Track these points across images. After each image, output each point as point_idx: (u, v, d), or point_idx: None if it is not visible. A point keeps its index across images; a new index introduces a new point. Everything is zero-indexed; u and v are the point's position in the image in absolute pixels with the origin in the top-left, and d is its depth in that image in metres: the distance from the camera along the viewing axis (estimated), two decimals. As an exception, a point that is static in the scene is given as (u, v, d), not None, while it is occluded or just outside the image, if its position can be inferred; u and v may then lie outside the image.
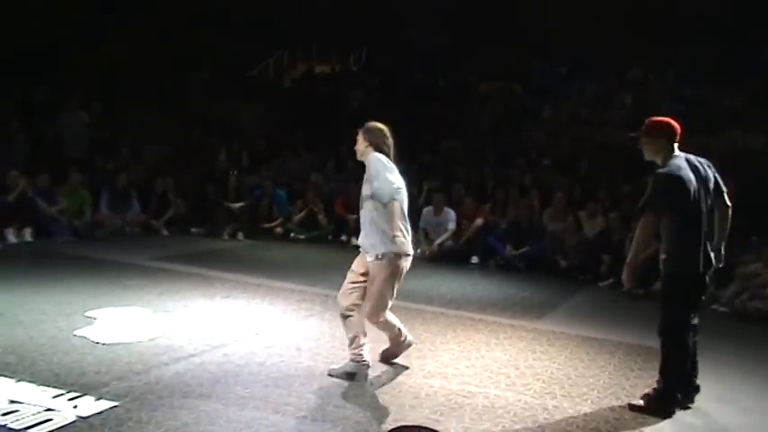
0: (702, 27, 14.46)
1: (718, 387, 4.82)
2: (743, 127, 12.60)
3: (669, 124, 4.68)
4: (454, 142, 13.65)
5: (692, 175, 4.52)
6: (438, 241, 10.19)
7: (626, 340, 6.45)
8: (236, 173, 11.54)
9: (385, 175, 4.81)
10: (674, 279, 4.63)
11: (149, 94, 13.64)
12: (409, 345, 5.31)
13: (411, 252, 4.97)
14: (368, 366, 4.96)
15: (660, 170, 4.57)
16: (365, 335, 4.98)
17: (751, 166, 10.54)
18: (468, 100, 15.58)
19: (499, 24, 16.55)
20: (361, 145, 5.02)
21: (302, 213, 11.16)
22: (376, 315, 4.97)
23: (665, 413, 4.63)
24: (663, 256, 4.67)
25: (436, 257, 10.04)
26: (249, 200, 11.23)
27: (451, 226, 10.25)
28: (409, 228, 4.98)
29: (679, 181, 4.48)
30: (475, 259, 10.10)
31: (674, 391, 4.70)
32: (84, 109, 12.10)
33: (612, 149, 13.03)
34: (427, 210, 10.38)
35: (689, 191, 4.47)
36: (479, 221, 10.29)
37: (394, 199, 4.81)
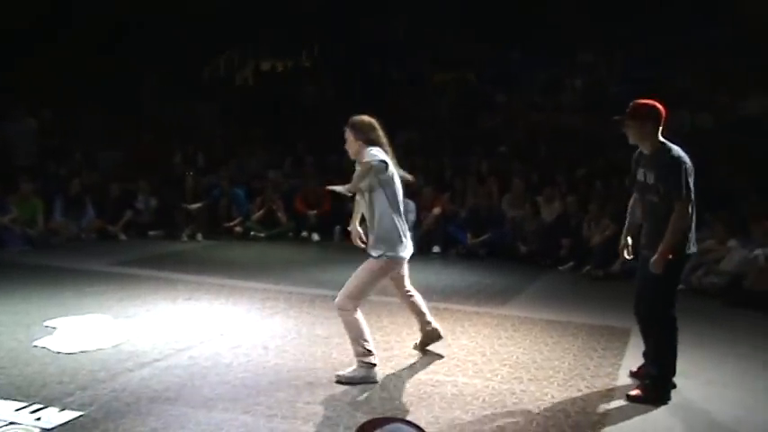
0: (651, 8, 14.70)
1: (679, 362, 4.91)
2: (691, 107, 12.86)
3: (655, 107, 4.61)
4: (411, 133, 13.68)
5: None
6: (399, 233, 10.20)
7: (588, 321, 6.57)
8: (192, 174, 11.42)
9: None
10: (674, 265, 4.56)
11: (99, 97, 13.39)
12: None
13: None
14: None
15: (675, 155, 4.53)
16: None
17: (700, 146, 10.77)
18: (424, 91, 15.61)
19: (450, 13, 16.59)
20: (353, 144, 4.74)
21: (261, 211, 11.07)
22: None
23: (665, 400, 4.62)
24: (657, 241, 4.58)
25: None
26: (207, 200, 11.13)
27: (411, 217, 10.26)
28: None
29: (691, 166, 4.52)
30: (436, 249, 10.16)
31: (670, 376, 4.70)
32: (32, 115, 11.83)
33: (566, 134, 13.20)
34: (387, 202, 10.39)
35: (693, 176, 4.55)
36: (437, 210, 10.34)
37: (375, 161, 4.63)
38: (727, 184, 10.22)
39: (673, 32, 14.41)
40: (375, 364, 4.80)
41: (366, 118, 4.80)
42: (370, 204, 4.79)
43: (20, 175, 10.25)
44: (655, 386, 4.68)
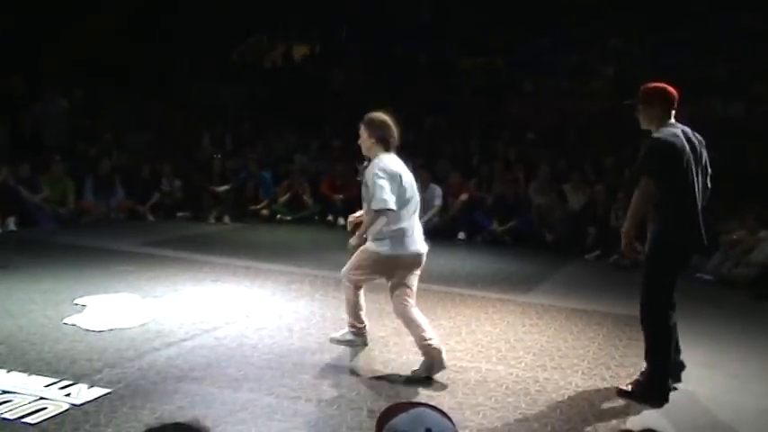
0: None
1: (705, 353, 4.88)
2: (723, 95, 12.66)
3: (665, 90, 4.44)
4: (438, 119, 13.63)
5: (686, 146, 4.31)
6: (424, 218, 10.18)
7: (614, 311, 6.52)
8: (220, 156, 11.49)
9: (381, 185, 4.56)
10: (658, 255, 4.40)
11: (130, 79, 13.51)
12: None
13: (398, 253, 4.81)
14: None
15: (657, 135, 4.35)
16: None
17: (732, 134, 10.61)
18: (451, 76, 15.53)
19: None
20: (366, 141, 4.76)
21: (287, 195, 11.12)
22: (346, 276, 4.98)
23: (657, 401, 4.37)
24: (650, 230, 4.46)
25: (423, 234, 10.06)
26: (234, 183, 11.20)
27: (438, 202, 10.27)
28: (412, 227, 4.88)
29: (672, 148, 4.27)
30: (462, 235, 10.13)
31: (665, 376, 4.44)
32: (64, 96, 11.97)
33: (596, 121, 13.07)
34: (413, 187, 10.37)
35: (681, 160, 4.27)
36: (464, 197, 10.31)
37: (384, 209, 4.57)
38: (759, 173, 10.06)
39: (705, 19, 14.18)
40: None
41: (382, 116, 4.80)
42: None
43: (51, 154, 10.39)
44: (647, 385, 4.44)
